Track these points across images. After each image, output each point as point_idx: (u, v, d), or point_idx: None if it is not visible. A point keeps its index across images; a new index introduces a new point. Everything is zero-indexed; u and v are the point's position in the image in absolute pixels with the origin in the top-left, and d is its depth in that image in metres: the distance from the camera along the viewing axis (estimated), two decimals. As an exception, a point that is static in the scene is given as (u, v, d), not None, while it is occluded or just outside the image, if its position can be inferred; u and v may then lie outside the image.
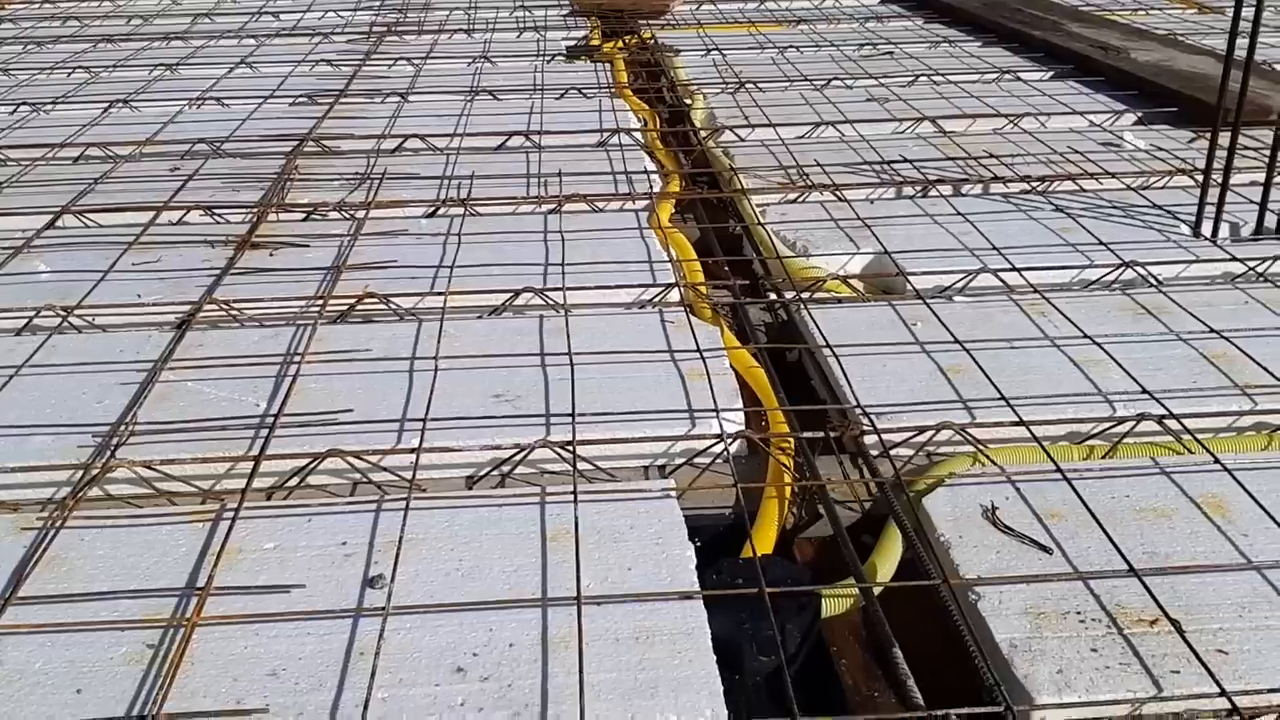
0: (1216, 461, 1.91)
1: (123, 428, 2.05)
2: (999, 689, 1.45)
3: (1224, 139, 2.85)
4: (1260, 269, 2.68)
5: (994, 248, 2.81)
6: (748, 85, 4.43)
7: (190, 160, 3.64)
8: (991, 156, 3.48)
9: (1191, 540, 1.75)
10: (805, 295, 2.61)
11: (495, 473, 2.01)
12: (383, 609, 1.60)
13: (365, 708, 1.43)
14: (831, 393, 2.25)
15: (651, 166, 3.55)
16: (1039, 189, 3.23)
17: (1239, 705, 1.41)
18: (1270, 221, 2.88)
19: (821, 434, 2.06)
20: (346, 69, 4.97)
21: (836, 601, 1.73)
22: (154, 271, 2.79)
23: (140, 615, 1.61)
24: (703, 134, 3.88)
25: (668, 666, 1.52)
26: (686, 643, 1.56)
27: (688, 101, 4.32)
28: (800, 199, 3.24)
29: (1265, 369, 2.20)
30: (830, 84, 4.48)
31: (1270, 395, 2.13)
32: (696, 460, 2.05)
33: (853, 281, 2.76)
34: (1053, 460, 1.91)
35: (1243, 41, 2.72)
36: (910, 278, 2.66)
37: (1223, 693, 1.43)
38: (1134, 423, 2.02)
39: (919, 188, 3.27)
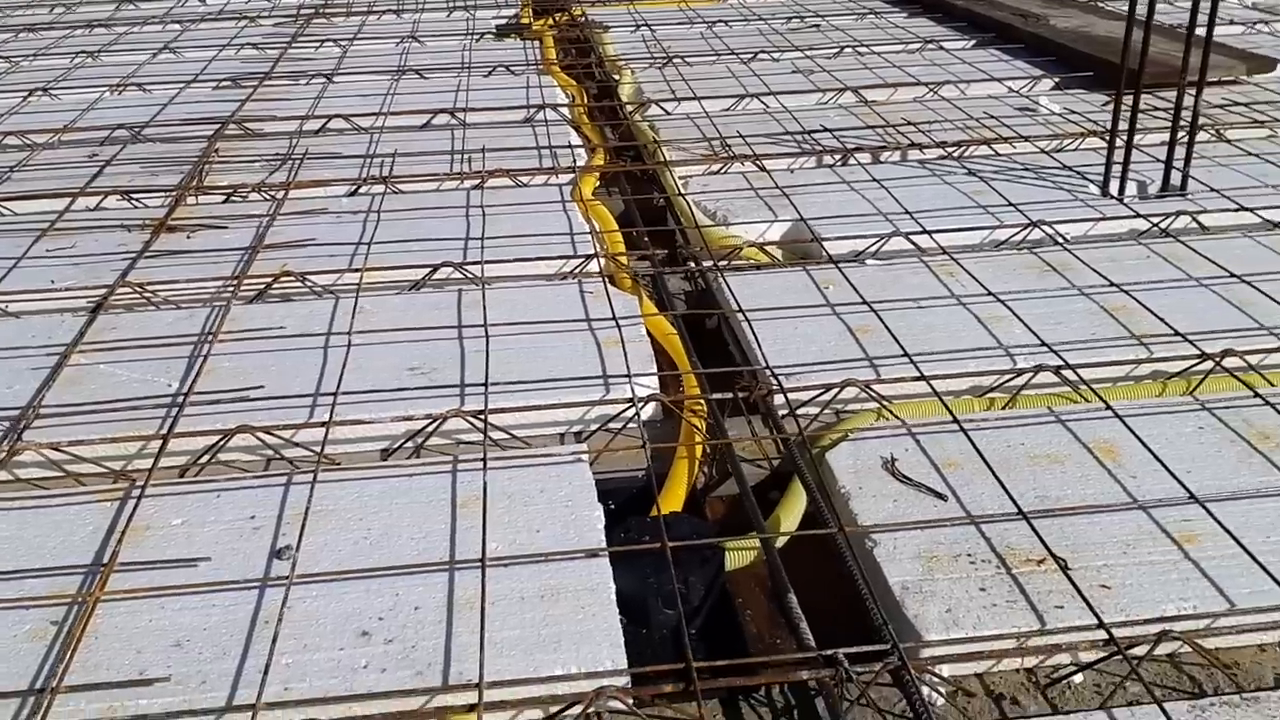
0: (1109, 408, 1.97)
1: (30, 411, 2.04)
2: (886, 628, 1.49)
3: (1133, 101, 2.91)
4: (1164, 225, 2.75)
5: (907, 212, 2.85)
6: (675, 60, 4.45)
7: (109, 146, 3.60)
8: (910, 124, 3.53)
9: (1082, 484, 1.81)
10: (723, 263, 2.64)
11: (409, 444, 2.03)
12: (287, 578, 1.62)
13: (266, 673, 1.44)
14: (745, 356, 2.28)
15: (577, 141, 3.57)
16: (954, 154, 3.29)
17: (1116, 636, 1.47)
18: (1176, 179, 2.96)
19: (730, 395, 2.09)
20: (272, 52, 4.92)
21: (739, 554, 1.77)
22: (69, 257, 2.77)
23: (44, 593, 1.62)
24: (629, 108, 3.89)
25: (571, 621, 1.55)
26: (590, 598, 1.60)
27: (616, 77, 4.33)
28: (722, 170, 3.27)
29: (1162, 320, 2.26)
30: (757, 57, 4.51)
31: (1166, 344, 2.19)
32: (610, 426, 2.07)
33: (770, 249, 2.79)
34: (950, 412, 1.96)
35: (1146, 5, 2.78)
36: (825, 243, 2.70)
37: (1100, 624, 1.48)
38: (1031, 374, 2.07)
39: (838, 156, 3.31)
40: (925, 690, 1.46)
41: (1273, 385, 2.06)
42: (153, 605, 1.59)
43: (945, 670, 1.50)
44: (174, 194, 3.11)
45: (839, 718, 1.41)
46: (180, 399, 2.08)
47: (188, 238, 2.86)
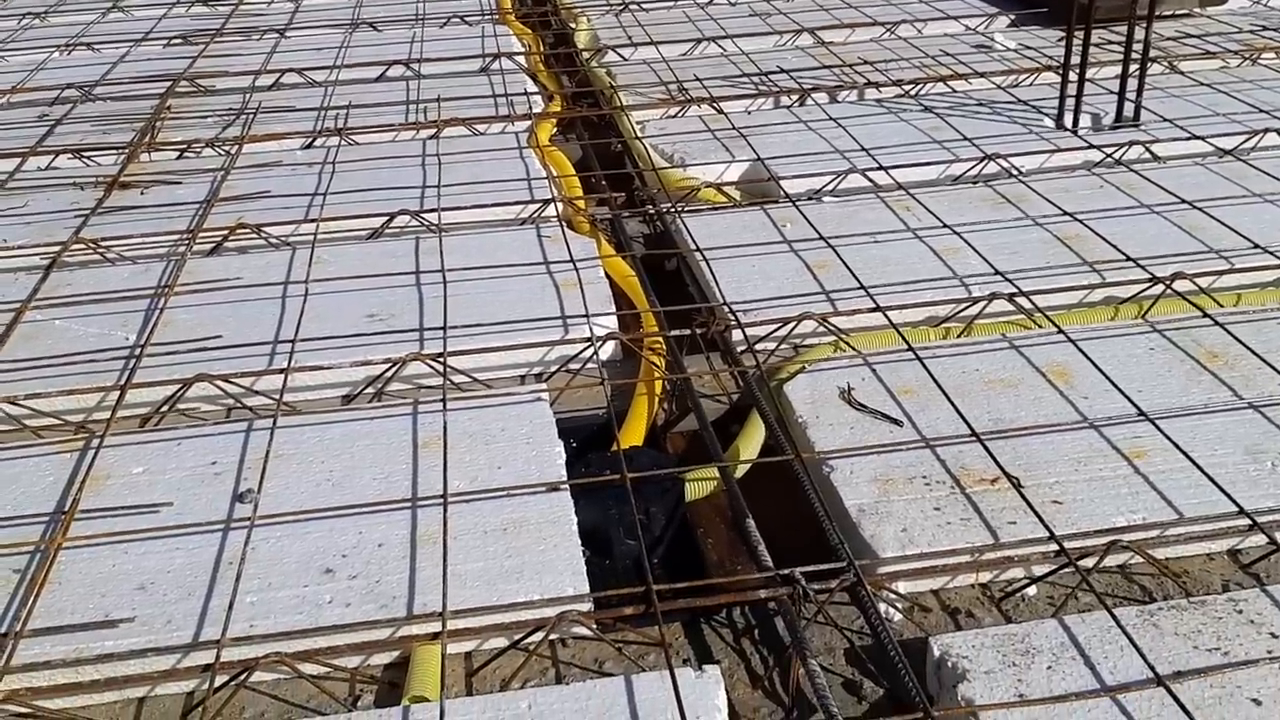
0: (1061, 333, 2.00)
1: (-16, 367, 2.03)
2: (842, 547, 1.52)
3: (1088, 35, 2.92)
4: (1117, 155, 2.77)
5: (865, 150, 2.86)
6: (632, 6, 4.41)
7: (59, 106, 3.54)
8: (867, 64, 3.53)
9: (1035, 406, 1.84)
10: (681, 205, 2.64)
11: (369, 390, 2.03)
12: (250, 519, 1.62)
13: (230, 610, 1.45)
14: (704, 295, 2.29)
15: (534, 89, 3.54)
16: (911, 92, 3.29)
17: (1067, 548, 1.50)
18: (1129, 110, 2.98)
19: (689, 332, 2.11)
20: (224, 8, 4.84)
21: (699, 485, 1.79)
22: (20, 216, 2.74)
23: (6, 542, 1.61)
24: (585, 55, 3.86)
25: (533, 553, 1.57)
26: (552, 530, 1.61)
27: (571, 25, 4.29)
28: (680, 113, 3.26)
29: (1115, 246, 2.29)
30: (713, 1, 4.48)
31: (1118, 270, 2.22)
32: (570, 366, 2.08)
33: (728, 190, 2.80)
34: (906, 341, 1.98)
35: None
36: (782, 182, 2.71)
37: (1052, 536, 1.51)
38: (986, 302, 2.09)
39: (796, 97, 3.31)
40: (882, 606, 1.48)
41: (1222, 306, 2.09)
42: (115, 550, 1.59)
43: (901, 587, 1.53)
44: (126, 151, 3.07)
45: (798, 635, 1.43)
46: (137, 351, 2.06)
47: (141, 194, 2.83)
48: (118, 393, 1.93)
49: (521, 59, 3.86)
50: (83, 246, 2.50)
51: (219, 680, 1.39)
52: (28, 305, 2.25)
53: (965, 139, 2.88)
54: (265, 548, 1.59)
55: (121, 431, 1.88)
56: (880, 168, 2.73)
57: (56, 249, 2.49)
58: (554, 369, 2.10)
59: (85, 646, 1.42)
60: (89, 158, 3.09)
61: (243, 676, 1.39)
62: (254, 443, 1.83)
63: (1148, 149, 2.79)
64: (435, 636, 1.42)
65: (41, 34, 4.54)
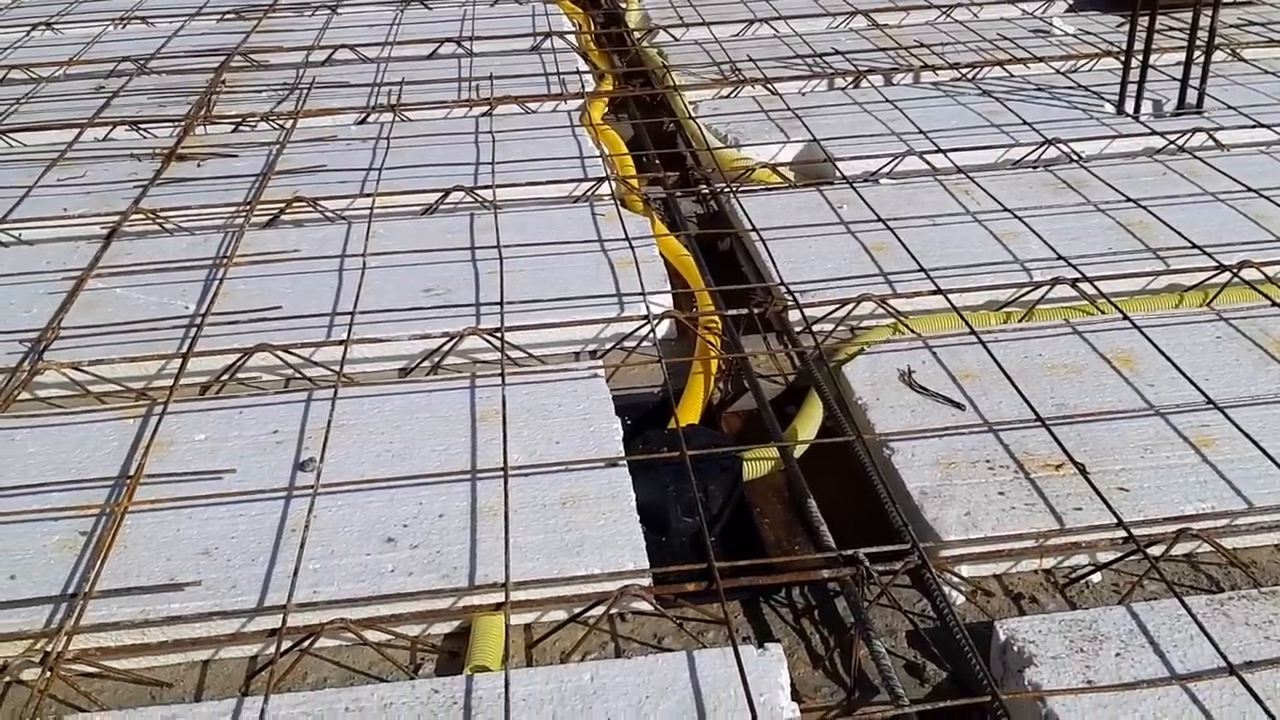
0: (1126, 319, 1.97)
1: (49, 333, 2.05)
2: (906, 529, 1.51)
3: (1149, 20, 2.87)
4: (1180, 142, 2.72)
5: (921, 133, 2.83)
6: (683, -14, 4.37)
7: (115, 79, 3.58)
8: (923, 46, 3.49)
9: (1099, 391, 1.81)
10: (735, 185, 2.62)
11: (426, 363, 2.04)
12: (312, 487, 1.63)
13: (295, 576, 1.46)
14: (759, 275, 2.28)
15: (584, 68, 3.53)
16: (968, 75, 3.25)
17: (1135, 535, 1.48)
18: (1191, 97, 2.92)
19: (745, 311, 2.09)
20: (275, -15, 4.85)
21: (757, 464, 1.78)
22: (80, 186, 2.77)
23: (72, 505, 1.63)
24: (637, 35, 3.85)
25: (593, 527, 1.57)
26: (611, 505, 1.61)
27: (623, 4, 4.27)
28: (733, 94, 3.24)
29: (1179, 233, 2.25)
30: (765, -17, 4.44)
31: (1183, 257, 2.19)
32: (626, 344, 2.08)
33: (782, 170, 2.78)
34: (968, 324, 1.96)
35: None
36: (838, 164, 2.68)
37: (1120, 523, 1.49)
38: (1048, 287, 2.07)
39: (850, 79, 3.28)
40: (945, 589, 1.47)
41: (1290, 296, 2.05)
42: (180, 515, 1.61)
43: (965, 570, 1.52)
44: (182, 124, 3.09)
45: (861, 615, 1.43)
46: (198, 320, 2.08)
47: (198, 166, 2.85)
48: (180, 360, 1.95)
49: (572, 38, 3.84)
50: (141, 216, 2.53)
51: (284, 645, 1.40)
52: (89, 274, 2.27)
53: (1024, 123, 2.84)
54: (327, 516, 1.60)
55: (184, 399, 1.89)
56: (938, 150, 2.70)
57: (116, 219, 2.52)
58: (609, 346, 2.09)
59: (152, 608, 1.44)
60: (145, 130, 3.12)
61: (308, 642, 1.40)
62: (314, 413, 1.84)
63: (1212, 136, 2.74)
64: (498, 607, 1.43)
65: (96, 7, 4.58)
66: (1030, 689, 1.27)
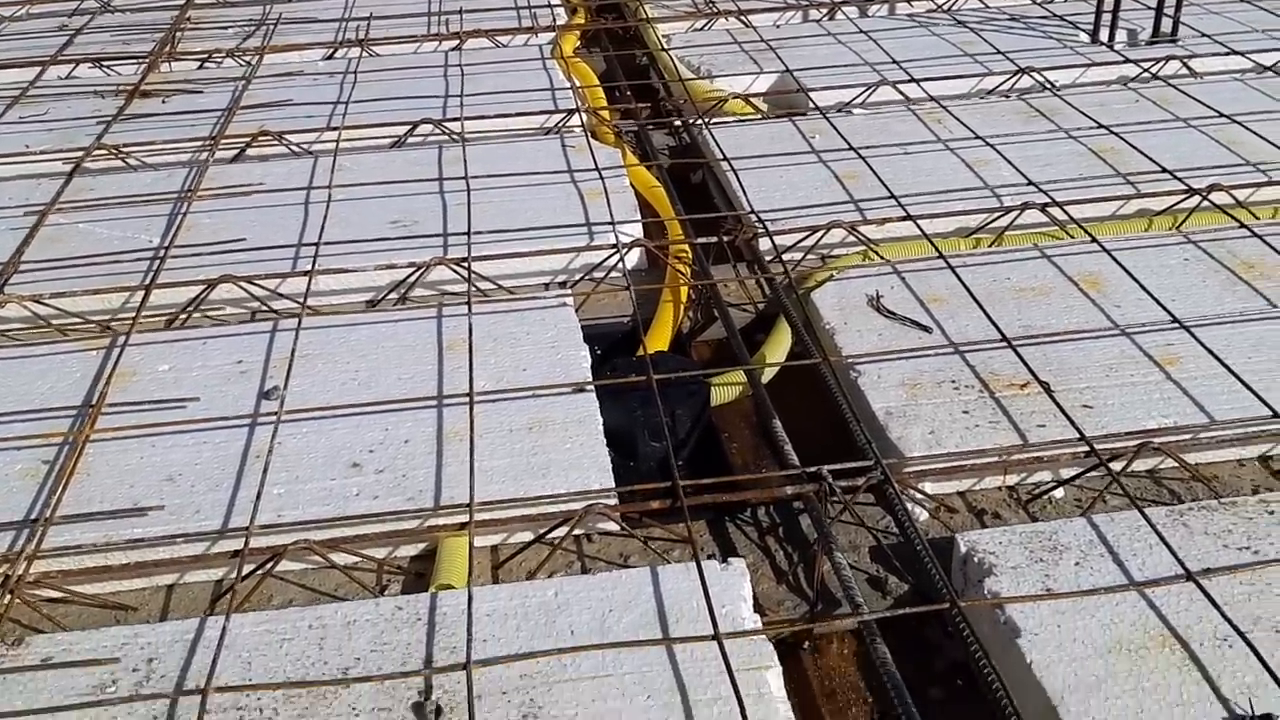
0: (1095, 241, 1.96)
1: (10, 266, 2.02)
2: (870, 446, 1.51)
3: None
4: (1154, 69, 2.70)
5: (895, 63, 2.80)
6: (657, -79, 4.30)
7: (79, 16, 3.51)
8: (898, -23, 3.45)
9: (1066, 313, 1.81)
10: (707, 117, 2.59)
11: (393, 295, 2.02)
12: (276, 414, 1.62)
13: (258, 500, 1.46)
14: (730, 205, 2.27)
15: (556, 1, 3.48)
16: (943, 6, 3.21)
17: (1098, 449, 1.48)
18: (1166, 25, 2.90)
19: (715, 239, 2.08)
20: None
21: (725, 390, 1.78)
22: (43, 123, 2.72)
23: (34, 434, 1.62)
24: (609, -31, 3.79)
25: (559, 451, 1.57)
26: (578, 429, 1.61)
27: (596, -61, 4.20)
28: (706, 26, 3.20)
29: (1150, 159, 2.24)
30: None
31: (1153, 182, 2.18)
32: (595, 274, 2.06)
33: (755, 101, 2.75)
34: (936, 249, 1.95)
35: None
36: (811, 94, 2.66)
37: (1082, 438, 1.50)
38: (1018, 212, 2.06)
39: (825, 10, 3.24)
40: (908, 506, 1.48)
41: (1258, 219, 2.05)
42: (143, 444, 1.60)
43: (928, 487, 1.52)
44: (147, 60, 3.04)
45: (823, 531, 1.43)
46: (161, 253, 2.06)
47: (163, 102, 2.80)
48: (142, 293, 1.93)
49: (544, -28, 3.78)
50: (105, 152, 2.49)
51: (247, 568, 1.40)
52: (51, 209, 2.24)
53: (998, 53, 2.82)
54: (292, 443, 1.60)
55: (147, 330, 1.88)
56: (911, 80, 2.67)
57: (79, 154, 2.47)
58: (579, 276, 2.08)
59: (115, 532, 1.44)
60: (109, 67, 3.06)
61: (271, 563, 1.40)
62: (279, 343, 1.82)
63: (1185, 64, 2.72)
64: (462, 527, 1.43)
65: (58, -53, 4.47)
66: (989, 598, 1.28)
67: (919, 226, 2.03)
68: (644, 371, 1.71)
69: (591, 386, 1.69)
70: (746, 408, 1.82)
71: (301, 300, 1.90)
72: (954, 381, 1.66)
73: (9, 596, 1.34)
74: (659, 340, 1.91)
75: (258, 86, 2.85)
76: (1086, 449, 1.49)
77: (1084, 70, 2.74)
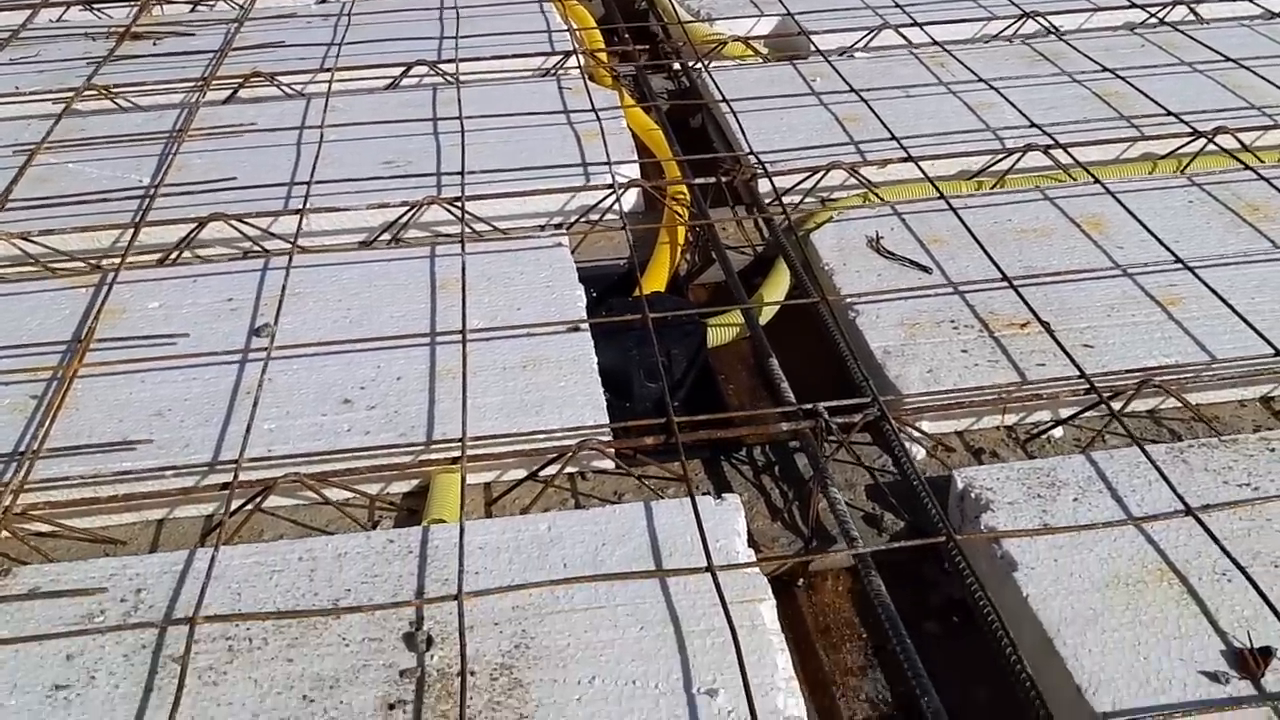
0: (1098, 183, 1.93)
1: (-2, 204, 2.00)
2: (867, 384, 1.49)
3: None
4: (1161, 15, 2.66)
5: (898, 6, 2.76)
6: None
7: (68, -41, 3.44)
8: (902, -78, 3.38)
9: (1068, 254, 1.79)
10: (706, 60, 2.55)
11: (385, 235, 1.99)
12: (267, 350, 1.60)
13: (248, 434, 1.44)
14: (729, 147, 2.23)
15: (554, -54, 3.42)
16: (948, -49, 3.15)
17: (1098, 386, 1.47)
18: (1175, -30, 2.85)
19: (713, 180, 2.05)
20: None
21: (722, 330, 1.76)
22: (33, 65, 2.68)
23: (22, 369, 1.60)
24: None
25: (553, 388, 1.55)
26: (573, 368, 1.59)
27: (595, -115, 4.12)
28: (706, -30, 3.14)
29: (1155, 102, 2.21)
30: None
31: (1158, 125, 2.15)
32: (591, 216, 2.04)
33: (755, 44, 2.71)
34: (938, 190, 1.93)
35: None
36: (812, 38, 2.61)
37: (1082, 375, 1.48)
38: (1020, 154, 2.03)
39: (827, -45, 3.18)
40: (905, 443, 1.46)
41: (1264, 162, 2.02)
42: (132, 379, 1.58)
43: (926, 426, 1.51)
44: (138, 2, 2.99)
45: (819, 467, 1.42)
46: (151, 191, 2.03)
47: (154, 44, 2.76)
48: (132, 231, 1.90)
49: (543, -83, 3.71)
50: (95, 93, 2.45)
51: (236, 502, 1.39)
52: (40, 148, 2.20)
53: (1003, -4, 2.78)
54: (283, 379, 1.58)
55: (137, 267, 1.85)
56: (914, 24, 2.63)
57: (69, 95, 2.44)
58: (575, 218, 2.05)
59: (103, 466, 1.42)
60: (99, 9, 3.02)
61: (260, 497, 1.39)
62: (270, 281, 1.80)
63: (1192, 9, 2.68)
64: (455, 462, 1.41)
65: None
66: (986, 532, 1.27)
67: (920, 168, 2.00)
68: (640, 311, 1.68)
69: (586, 325, 1.67)
70: (744, 350, 1.80)
71: (293, 240, 1.88)
72: (953, 321, 1.64)
73: (-4, 528, 1.33)
74: (655, 282, 1.89)
75: (250, 29, 2.81)
76: (1087, 387, 1.47)
77: (1090, 15, 2.70)
